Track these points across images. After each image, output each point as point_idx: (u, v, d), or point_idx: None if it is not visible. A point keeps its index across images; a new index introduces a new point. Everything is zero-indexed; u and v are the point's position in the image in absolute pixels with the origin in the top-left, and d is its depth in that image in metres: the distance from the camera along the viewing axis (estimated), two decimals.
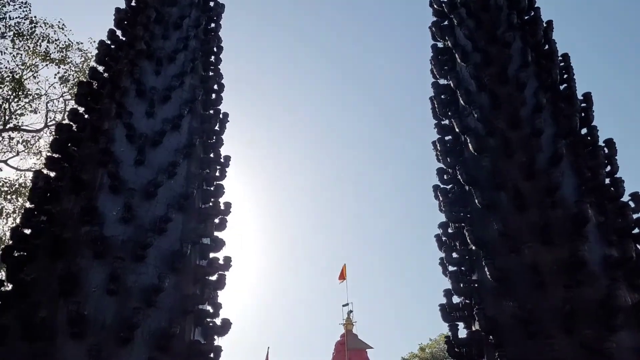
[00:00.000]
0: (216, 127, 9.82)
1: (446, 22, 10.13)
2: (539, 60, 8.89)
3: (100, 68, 9.54)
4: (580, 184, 7.46)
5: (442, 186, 8.63)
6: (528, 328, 6.44)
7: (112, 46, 9.76)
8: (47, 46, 22.67)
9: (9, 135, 22.03)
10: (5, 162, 22.00)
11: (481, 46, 9.09)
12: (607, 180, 7.67)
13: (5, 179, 21.48)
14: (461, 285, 7.56)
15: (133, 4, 10.47)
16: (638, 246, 6.96)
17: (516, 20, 9.24)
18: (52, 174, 8.20)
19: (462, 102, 8.68)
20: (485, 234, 7.47)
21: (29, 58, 22.43)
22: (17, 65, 21.45)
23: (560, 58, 9.13)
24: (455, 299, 7.76)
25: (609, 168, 7.78)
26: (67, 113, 8.95)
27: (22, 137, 22.52)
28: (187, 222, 8.17)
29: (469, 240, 7.50)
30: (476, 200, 7.64)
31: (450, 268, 8.00)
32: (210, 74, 10.30)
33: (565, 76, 8.75)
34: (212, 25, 11.18)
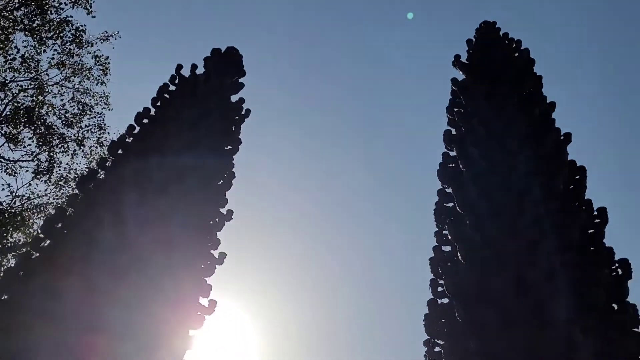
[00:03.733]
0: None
1: (457, 131, 9.83)
2: (548, 171, 8.27)
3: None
4: (577, 304, 6.47)
5: (433, 299, 7.83)
6: None
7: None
8: None
9: None
10: None
11: (486, 155, 8.63)
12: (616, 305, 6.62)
13: None
14: None
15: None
16: None
17: (526, 130, 8.79)
18: None
19: (458, 209, 8.10)
20: (463, 353, 6.53)
21: None
22: None
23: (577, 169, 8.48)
24: None
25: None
26: None
27: None
28: None
29: None
30: (456, 314, 6.79)
31: None
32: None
33: (576, 188, 8.01)
34: (233, 127, 11.52)
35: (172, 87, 11.49)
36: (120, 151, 9.98)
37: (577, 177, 8.32)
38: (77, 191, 9.27)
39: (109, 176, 9.31)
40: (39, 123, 20.31)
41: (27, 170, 21.06)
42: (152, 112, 10.84)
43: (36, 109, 21.54)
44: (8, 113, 21.14)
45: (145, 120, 10.62)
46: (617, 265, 7.12)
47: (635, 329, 6.59)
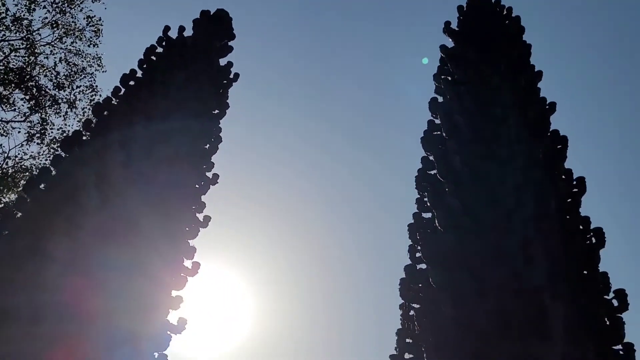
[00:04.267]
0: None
1: (444, 99, 9.79)
2: (531, 140, 8.29)
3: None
4: (549, 271, 6.59)
5: (411, 264, 7.94)
6: None
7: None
8: None
9: None
10: None
11: (470, 122, 8.63)
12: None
13: None
14: None
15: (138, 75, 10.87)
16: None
17: (511, 99, 8.78)
18: None
19: (439, 176, 8.15)
20: (436, 317, 6.67)
21: None
22: None
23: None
24: None
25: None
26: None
27: None
28: None
29: (416, 324, 6.72)
30: (430, 279, 6.91)
31: (407, 356, 7.16)
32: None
33: (556, 157, 8.05)
34: (221, 91, 11.47)
35: (159, 50, 11.40)
36: (105, 113, 9.96)
37: (559, 146, 8.35)
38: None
39: (94, 138, 9.31)
40: (31, 85, 20.17)
41: (19, 131, 21.03)
42: (139, 74, 10.77)
43: (28, 69, 21.36)
44: None
45: (132, 83, 10.57)
46: (591, 234, 7.21)
47: (606, 296, 6.73)
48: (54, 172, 8.86)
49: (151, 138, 9.35)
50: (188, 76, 10.78)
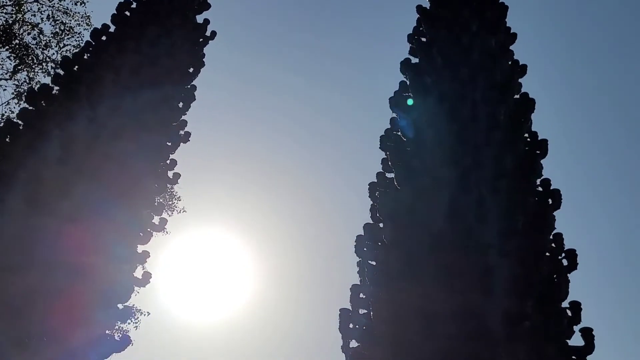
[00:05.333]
0: None
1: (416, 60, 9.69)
2: (497, 100, 8.24)
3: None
4: (500, 230, 6.62)
5: (370, 223, 7.97)
6: None
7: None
8: None
9: None
10: None
11: (438, 83, 8.56)
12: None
13: None
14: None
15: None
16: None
17: (480, 60, 8.69)
18: None
19: (401, 135, 8.13)
20: (385, 274, 6.73)
21: None
22: None
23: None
24: None
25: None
26: None
27: None
28: None
29: (367, 280, 6.79)
30: (383, 236, 6.96)
31: (361, 311, 7.25)
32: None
33: (521, 118, 8.02)
34: (196, 47, 11.35)
35: (134, 5, 11.24)
36: (76, 68, 9.88)
37: (525, 108, 8.29)
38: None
39: (61, 91, 9.26)
40: (16, 43, 19.98)
41: (5, 89, 20.92)
42: (112, 30, 10.65)
43: (15, 26, 21.13)
44: None
45: (104, 38, 10.45)
46: (549, 195, 7.22)
47: (559, 257, 6.78)
48: (21, 126, 8.84)
49: (120, 93, 9.29)
50: (162, 32, 10.65)
